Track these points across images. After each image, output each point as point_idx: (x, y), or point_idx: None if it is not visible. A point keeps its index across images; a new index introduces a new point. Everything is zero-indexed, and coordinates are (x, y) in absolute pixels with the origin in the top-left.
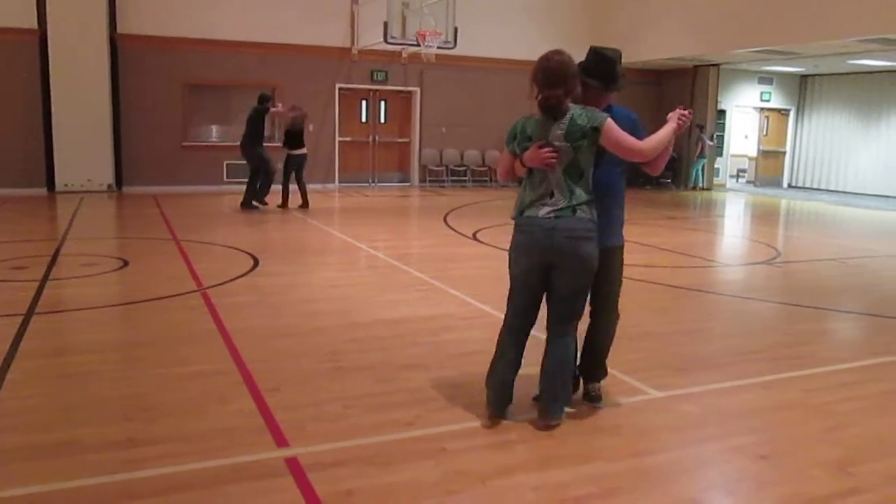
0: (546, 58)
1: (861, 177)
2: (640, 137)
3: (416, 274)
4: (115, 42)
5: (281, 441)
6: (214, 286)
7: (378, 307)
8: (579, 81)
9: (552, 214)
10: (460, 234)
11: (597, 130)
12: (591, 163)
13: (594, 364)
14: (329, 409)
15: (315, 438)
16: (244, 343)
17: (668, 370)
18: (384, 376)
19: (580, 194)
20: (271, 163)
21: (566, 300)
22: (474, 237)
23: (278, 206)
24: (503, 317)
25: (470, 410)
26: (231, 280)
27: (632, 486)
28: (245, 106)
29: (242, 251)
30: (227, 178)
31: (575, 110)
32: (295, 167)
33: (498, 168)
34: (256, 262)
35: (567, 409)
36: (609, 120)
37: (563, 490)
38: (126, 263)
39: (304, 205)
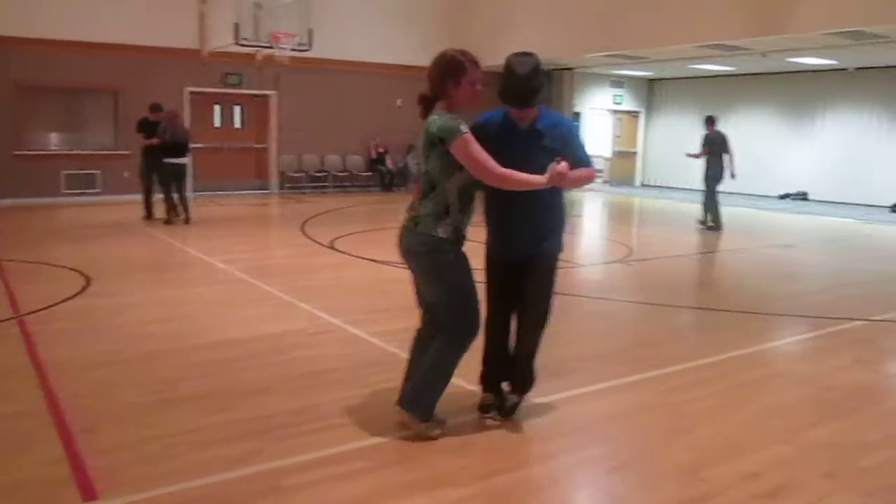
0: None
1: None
2: (576, 145)
3: (266, 288)
4: None
5: (88, 494)
6: (34, 312)
7: (221, 327)
8: (456, 85)
9: (402, 224)
10: (318, 242)
11: (443, 142)
12: (447, 174)
13: (520, 373)
14: (150, 449)
15: (129, 487)
16: (60, 377)
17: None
18: (219, 406)
19: (427, 206)
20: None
21: (428, 307)
22: (331, 246)
23: (166, 221)
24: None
25: (315, 437)
26: (56, 304)
27: None
28: (88, 111)
29: (74, 270)
30: (66, 189)
31: (433, 115)
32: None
33: None
34: (88, 282)
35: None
36: (463, 136)
37: None
38: None
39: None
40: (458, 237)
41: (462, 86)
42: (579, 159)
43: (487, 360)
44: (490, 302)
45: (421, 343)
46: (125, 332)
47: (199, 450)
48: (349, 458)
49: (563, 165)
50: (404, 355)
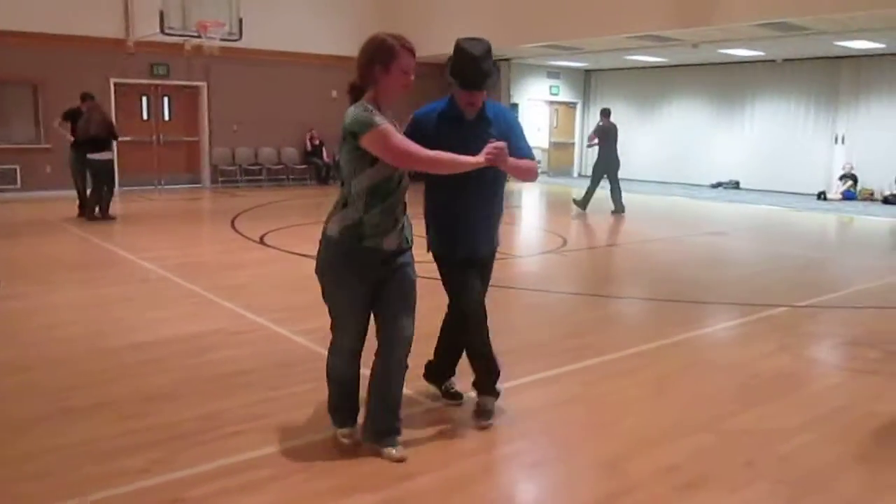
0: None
1: (638, 165)
2: (519, 135)
3: (189, 286)
4: None
5: None
6: None
7: (135, 329)
8: (385, 72)
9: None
10: (247, 238)
11: (354, 136)
12: (354, 170)
13: (486, 371)
14: (43, 463)
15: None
16: None
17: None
18: (125, 413)
19: (336, 202)
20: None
21: None
22: (261, 241)
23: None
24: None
25: (222, 444)
26: None
27: None
28: (6, 104)
29: None
30: None
31: (351, 107)
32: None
33: None
34: None
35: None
36: (377, 128)
37: None
38: None
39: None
40: (350, 237)
41: (392, 73)
42: (521, 150)
43: (444, 352)
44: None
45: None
46: (31, 338)
47: (97, 462)
48: (255, 466)
49: (502, 143)
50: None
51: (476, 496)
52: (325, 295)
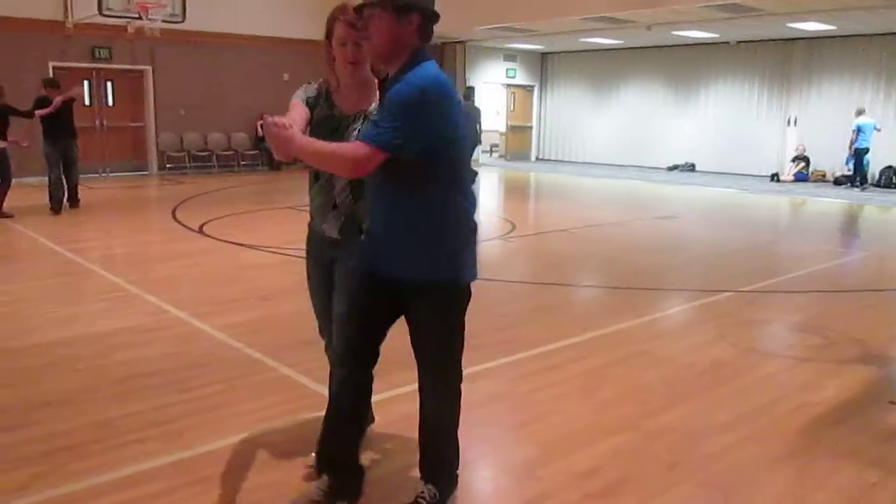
0: None
1: (595, 148)
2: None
3: (111, 279)
4: None
5: None
6: None
7: (43, 328)
8: (329, 47)
9: None
10: (186, 227)
11: None
12: None
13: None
14: None
15: None
16: None
17: None
18: (10, 423)
19: None
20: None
21: None
22: (200, 230)
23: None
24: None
25: (113, 455)
26: None
27: None
28: None
29: None
30: None
31: None
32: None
33: None
34: None
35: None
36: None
37: None
38: None
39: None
40: (310, 226)
41: (334, 47)
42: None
43: None
44: None
45: None
46: None
47: None
48: (149, 479)
49: (278, 119)
50: (247, 350)
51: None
52: None
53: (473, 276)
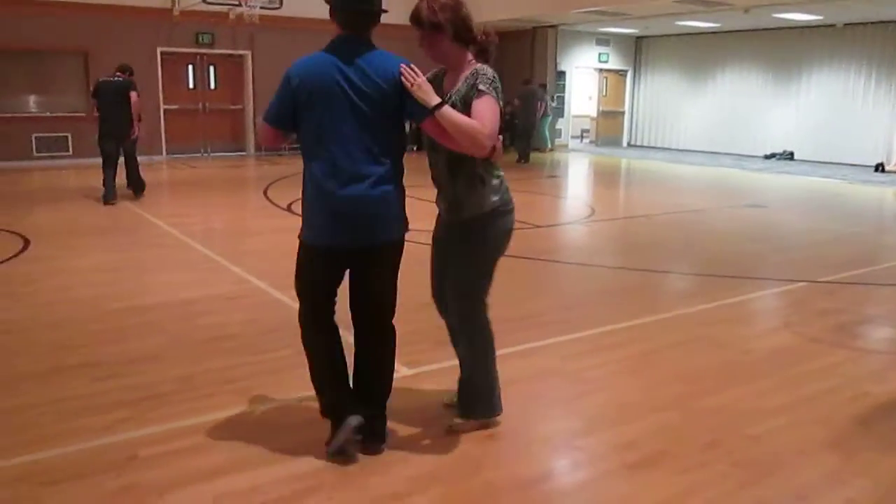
0: None
1: (689, 134)
2: None
3: (203, 251)
4: None
5: None
6: None
7: (141, 292)
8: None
9: None
10: (276, 205)
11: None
12: None
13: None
14: (19, 419)
15: None
16: None
17: (428, 343)
18: (106, 373)
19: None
20: None
21: None
22: (289, 208)
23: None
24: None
25: (187, 406)
26: None
27: (333, 483)
28: (57, 74)
29: (15, 233)
30: (37, 152)
31: None
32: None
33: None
34: (26, 246)
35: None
36: None
37: (250, 496)
38: None
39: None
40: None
41: None
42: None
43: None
44: None
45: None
46: (45, 298)
47: (65, 419)
48: (215, 428)
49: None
50: None
51: (422, 466)
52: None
53: (308, 238)
